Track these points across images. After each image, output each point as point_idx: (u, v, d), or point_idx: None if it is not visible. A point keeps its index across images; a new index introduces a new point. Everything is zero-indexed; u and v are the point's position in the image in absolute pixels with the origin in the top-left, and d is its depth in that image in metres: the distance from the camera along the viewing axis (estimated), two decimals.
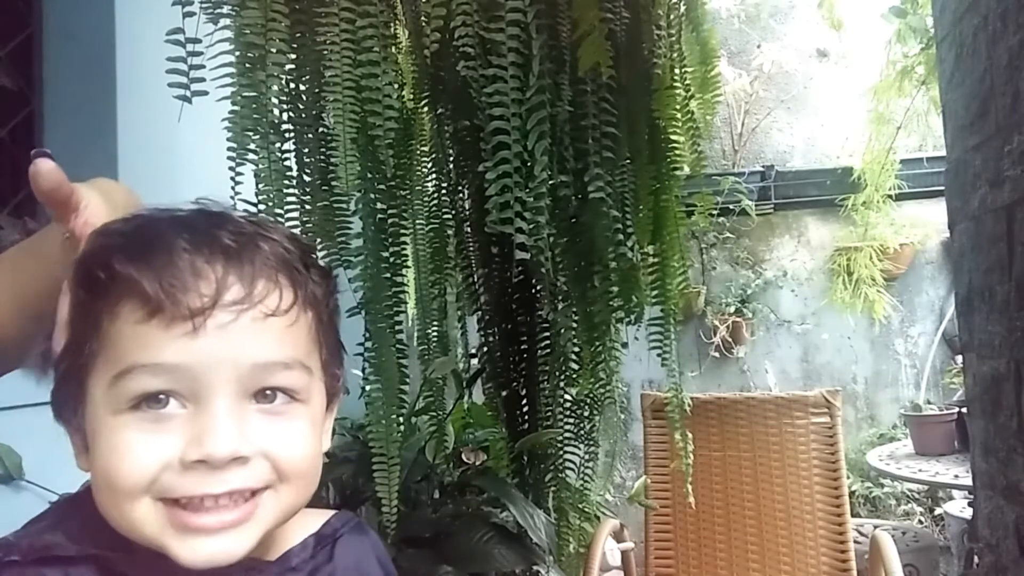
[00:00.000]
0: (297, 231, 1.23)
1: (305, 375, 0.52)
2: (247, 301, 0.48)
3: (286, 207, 1.22)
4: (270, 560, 0.53)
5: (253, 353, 0.48)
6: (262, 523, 0.49)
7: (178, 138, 1.81)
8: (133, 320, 0.47)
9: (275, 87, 1.21)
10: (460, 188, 1.65)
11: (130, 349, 0.47)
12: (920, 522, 3.28)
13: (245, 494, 0.48)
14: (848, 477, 2.40)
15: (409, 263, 1.48)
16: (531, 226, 1.24)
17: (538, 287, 1.62)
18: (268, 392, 0.50)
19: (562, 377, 1.68)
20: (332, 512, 0.60)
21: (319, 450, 0.54)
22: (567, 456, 1.69)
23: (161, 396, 0.47)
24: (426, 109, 1.58)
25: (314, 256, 0.56)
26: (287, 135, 1.27)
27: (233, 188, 1.13)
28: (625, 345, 1.63)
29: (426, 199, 1.60)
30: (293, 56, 1.25)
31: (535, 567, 1.53)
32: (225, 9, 1.18)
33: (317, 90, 1.29)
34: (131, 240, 0.49)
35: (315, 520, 0.58)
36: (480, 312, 1.70)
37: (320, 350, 0.54)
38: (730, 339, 3.44)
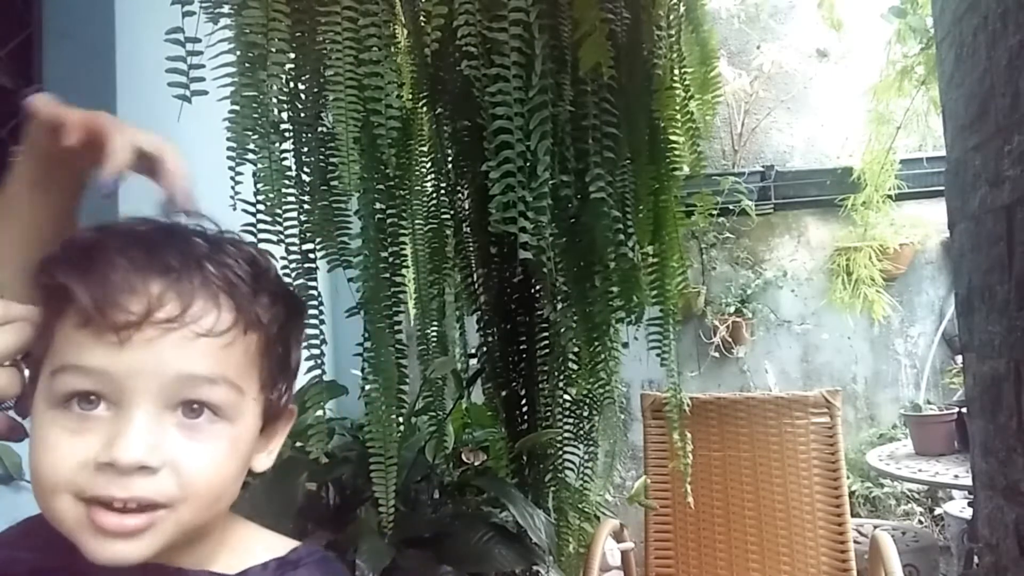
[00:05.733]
0: (296, 231, 1.24)
1: (234, 393, 0.53)
2: (179, 320, 0.50)
3: (285, 207, 1.22)
4: None
5: (177, 366, 0.50)
6: (161, 535, 0.51)
7: (178, 138, 1.80)
8: (72, 324, 0.50)
9: (275, 87, 1.21)
10: (459, 188, 1.65)
11: (66, 349, 0.51)
12: (920, 522, 3.28)
13: (150, 504, 0.50)
14: (848, 477, 2.40)
15: (408, 263, 1.48)
16: (533, 226, 1.24)
17: (538, 287, 1.62)
18: (195, 407, 0.52)
19: (562, 377, 1.67)
20: (300, 543, 0.62)
21: (236, 472, 0.55)
22: (567, 456, 1.69)
23: (92, 397, 0.50)
24: (425, 109, 1.58)
25: (271, 279, 0.57)
26: (287, 135, 1.27)
27: (233, 188, 1.13)
28: (625, 345, 1.63)
29: (425, 199, 1.60)
30: (293, 56, 1.25)
31: (535, 567, 1.52)
32: (225, 9, 1.18)
33: (317, 90, 1.29)
34: (77, 253, 0.52)
35: (282, 546, 0.60)
36: (479, 312, 1.70)
37: (260, 372, 0.55)
38: (730, 339, 3.43)
